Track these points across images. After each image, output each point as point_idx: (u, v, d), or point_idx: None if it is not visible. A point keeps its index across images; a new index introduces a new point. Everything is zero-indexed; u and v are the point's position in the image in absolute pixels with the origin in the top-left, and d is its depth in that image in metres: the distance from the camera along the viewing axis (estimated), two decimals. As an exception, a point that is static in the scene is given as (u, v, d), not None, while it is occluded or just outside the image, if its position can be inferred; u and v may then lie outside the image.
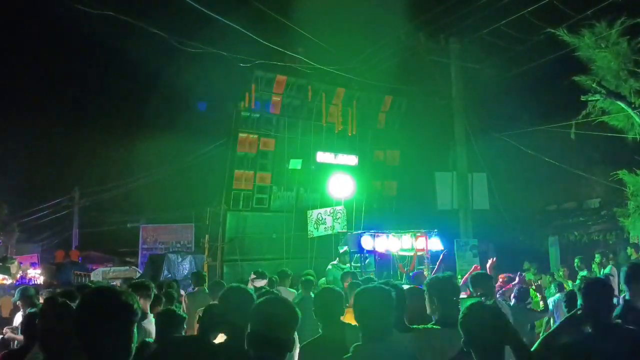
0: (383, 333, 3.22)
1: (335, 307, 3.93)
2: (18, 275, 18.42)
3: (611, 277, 11.00)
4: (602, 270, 11.81)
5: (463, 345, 3.03)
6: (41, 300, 7.14)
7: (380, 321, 3.24)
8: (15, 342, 6.77)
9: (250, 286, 8.09)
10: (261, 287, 7.78)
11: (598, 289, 3.66)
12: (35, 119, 27.75)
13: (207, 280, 10.50)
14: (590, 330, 3.58)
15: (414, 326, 3.95)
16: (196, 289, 9.03)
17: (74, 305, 2.83)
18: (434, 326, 3.94)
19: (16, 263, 18.45)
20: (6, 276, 16.63)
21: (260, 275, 8.58)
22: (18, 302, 7.53)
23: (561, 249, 17.29)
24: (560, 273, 13.05)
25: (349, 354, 3.24)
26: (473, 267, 9.40)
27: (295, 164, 16.51)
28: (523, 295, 7.65)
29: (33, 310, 6.88)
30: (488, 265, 8.90)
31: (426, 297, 4.21)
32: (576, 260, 12.51)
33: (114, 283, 13.53)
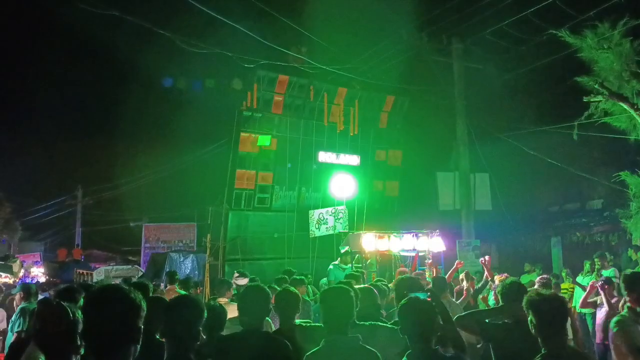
0: (345, 327, 3.59)
1: (260, 306, 4.09)
2: (21, 274, 18.46)
3: (616, 279, 10.96)
4: (604, 271, 11.77)
5: (400, 332, 3.53)
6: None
7: (343, 317, 3.61)
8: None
9: (233, 284, 8.65)
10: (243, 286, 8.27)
11: (515, 290, 4.41)
12: (38, 118, 27.83)
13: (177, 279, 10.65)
14: (508, 322, 4.33)
15: (361, 322, 4.21)
16: (168, 287, 9.14)
17: (72, 304, 2.84)
18: (384, 324, 4.26)
19: (18, 261, 18.50)
20: (8, 274, 16.67)
21: (243, 275, 9.19)
22: (18, 295, 7.66)
23: (563, 250, 17.25)
24: (563, 274, 13.04)
25: (318, 347, 3.54)
26: (456, 263, 9.46)
27: (263, 140, 16.46)
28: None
29: (25, 305, 7.00)
30: (485, 262, 8.94)
31: (394, 296, 4.65)
32: (586, 264, 12.46)
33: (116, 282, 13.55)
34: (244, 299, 4.06)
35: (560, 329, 3.53)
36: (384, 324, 4.21)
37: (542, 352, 3.48)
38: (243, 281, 8.84)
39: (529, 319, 3.58)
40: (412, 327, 3.47)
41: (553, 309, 3.53)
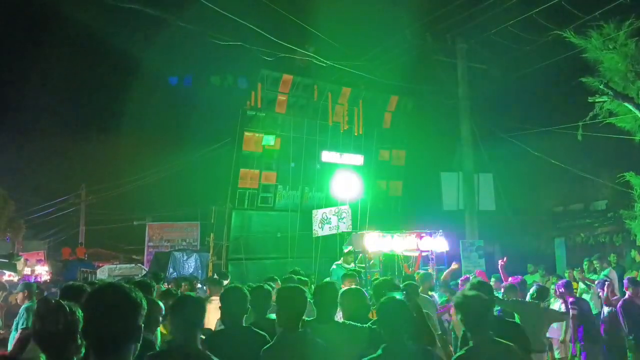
0: (296, 324, 3.97)
1: (238, 305, 4.44)
2: (24, 272, 18.50)
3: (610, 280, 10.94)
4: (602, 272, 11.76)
5: (377, 327, 3.92)
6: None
7: (294, 315, 3.99)
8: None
9: None
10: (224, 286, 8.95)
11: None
12: (42, 116, 27.87)
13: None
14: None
15: (338, 320, 4.64)
16: None
17: (75, 303, 2.83)
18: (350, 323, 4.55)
19: (22, 260, 18.52)
20: (12, 273, 16.70)
21: (223, 276, 9.87)
22: (18, 296, 7.73)
23: (567, 251, 17.20)
24: (566, 275, 13.01)
25: (272, 342, 3.95)
26: (453, 264, 9.56)
27: (268, 140, 16.49)
28: (543, 293, 7.67)
29: (30, 304, 7.05)
30: (500, 265, 8.96)
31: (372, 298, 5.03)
32: (585, 262, 12.44)
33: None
34: (224, 300, 4.45)
35: (483, 324, 3.92)
36: (350, 323, 4.50)
37: (470, 344, 3.90)
38: (224, 282, 9.36)
39: (458, 318, 4.00)
40: (389, 324, 3.85)
41: (476, 308, 3.92)
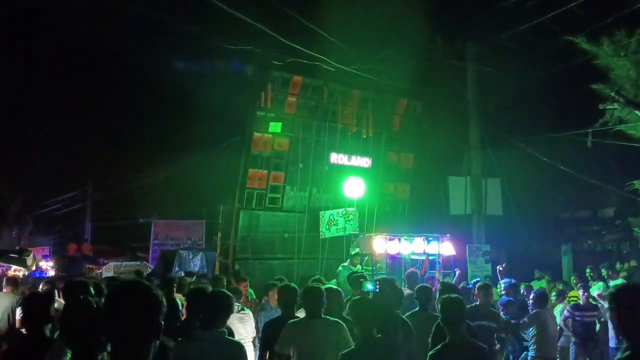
0: (212, 323, 4.29)
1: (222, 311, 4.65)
2: (33, 267, 18.61)
3: None
4: (612, 281, 11.74)
5: (351, 324, 4.41)
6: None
7: (211, 315, 4.32)
8: None
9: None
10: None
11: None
12: (49, 113, 27.95)
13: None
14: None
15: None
16: None
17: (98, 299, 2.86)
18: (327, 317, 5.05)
19: (32, 255, 18.61)
20: (21, 268, 16.81)
21: (189, 274, 10.91)
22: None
23: (574, 258, 17.17)
24: (572, 281, 12.99)
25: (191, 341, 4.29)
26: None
27: (275, 127, 16.38)
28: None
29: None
30: (498, 271, 8.99)
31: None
32: (588, 271, 12.44)
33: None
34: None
35: (458, 322, 4.53)
36: (327, 318, 4.95)
37: (446, 340, 4.46)
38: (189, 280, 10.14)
39: (440, 317, 4.64)
40: (358, 320, 4.29)
41: (454, 308, 4.54)
